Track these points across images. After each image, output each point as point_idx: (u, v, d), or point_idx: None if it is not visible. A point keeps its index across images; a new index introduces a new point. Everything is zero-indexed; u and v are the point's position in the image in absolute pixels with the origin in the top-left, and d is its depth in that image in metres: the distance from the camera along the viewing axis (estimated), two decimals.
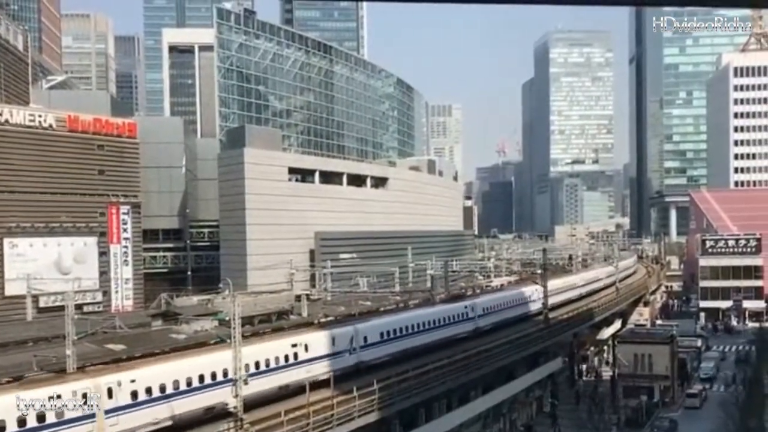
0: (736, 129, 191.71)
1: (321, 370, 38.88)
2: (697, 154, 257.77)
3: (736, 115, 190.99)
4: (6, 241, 65.46)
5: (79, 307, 50.12)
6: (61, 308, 35.71)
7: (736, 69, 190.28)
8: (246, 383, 32.09)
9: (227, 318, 38.11)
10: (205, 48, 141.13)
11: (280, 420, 32.82)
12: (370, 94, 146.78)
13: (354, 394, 37.07)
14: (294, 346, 37.83)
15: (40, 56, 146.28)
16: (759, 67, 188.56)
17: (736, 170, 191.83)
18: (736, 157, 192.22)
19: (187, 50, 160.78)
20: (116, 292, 72.96)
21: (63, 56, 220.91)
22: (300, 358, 37.80)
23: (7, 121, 65.39)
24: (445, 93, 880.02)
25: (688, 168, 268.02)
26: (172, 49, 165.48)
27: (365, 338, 43.22)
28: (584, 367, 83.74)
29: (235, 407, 31.95)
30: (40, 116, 67.84)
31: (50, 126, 68.20)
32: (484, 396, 52.80)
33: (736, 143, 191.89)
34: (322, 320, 50.06)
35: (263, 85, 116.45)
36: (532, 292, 69.68)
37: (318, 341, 39.83)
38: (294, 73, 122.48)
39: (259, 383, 34.74)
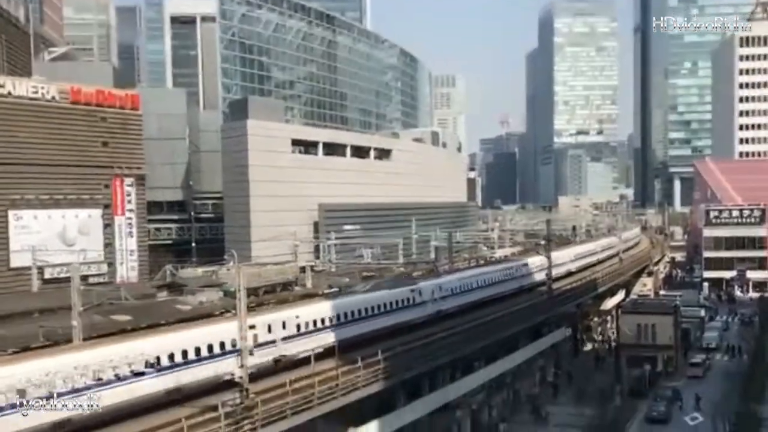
0: (741, 99, 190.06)
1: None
2: (702, 124, 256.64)
3: (741, 86, 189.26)
4: (11, 213, 65.40)
5: (84, 278, 50.22)
6: (67, 279, 35.90)
7: (741, 39, 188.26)
8: (252, 354, 32.15)
9: (232, 289, 38.27)
10: (207, 19, 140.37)
11: (285, 390, 32.99)
12: (374, 64, 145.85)
13: (359, 364, 37.31)
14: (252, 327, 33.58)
15: (41, 28, 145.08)
16: (765, 37, 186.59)
17: (740, 141, 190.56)
18: (740, 127, 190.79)
19: (189, 21, 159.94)
20: (121, 263, 73.02)
21: (64, 28, 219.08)
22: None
23: (9, 93, 64.95)
24: (449, 63, 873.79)
25: (692, 139, 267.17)
26: (174, 20, 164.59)
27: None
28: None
29: (240, 377, 31.99)
30: (42, 88, 67.41)
31: (53, 98, 67.76)
32: (488, 366, 53.00)
33: (741, 114, 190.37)
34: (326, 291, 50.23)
35: (266, 56, 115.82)
36: (532, 264, 69.44)
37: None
38: (296, 44, 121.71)
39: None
